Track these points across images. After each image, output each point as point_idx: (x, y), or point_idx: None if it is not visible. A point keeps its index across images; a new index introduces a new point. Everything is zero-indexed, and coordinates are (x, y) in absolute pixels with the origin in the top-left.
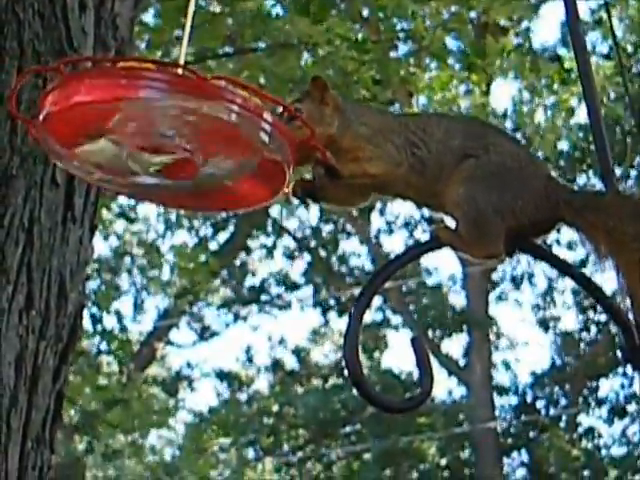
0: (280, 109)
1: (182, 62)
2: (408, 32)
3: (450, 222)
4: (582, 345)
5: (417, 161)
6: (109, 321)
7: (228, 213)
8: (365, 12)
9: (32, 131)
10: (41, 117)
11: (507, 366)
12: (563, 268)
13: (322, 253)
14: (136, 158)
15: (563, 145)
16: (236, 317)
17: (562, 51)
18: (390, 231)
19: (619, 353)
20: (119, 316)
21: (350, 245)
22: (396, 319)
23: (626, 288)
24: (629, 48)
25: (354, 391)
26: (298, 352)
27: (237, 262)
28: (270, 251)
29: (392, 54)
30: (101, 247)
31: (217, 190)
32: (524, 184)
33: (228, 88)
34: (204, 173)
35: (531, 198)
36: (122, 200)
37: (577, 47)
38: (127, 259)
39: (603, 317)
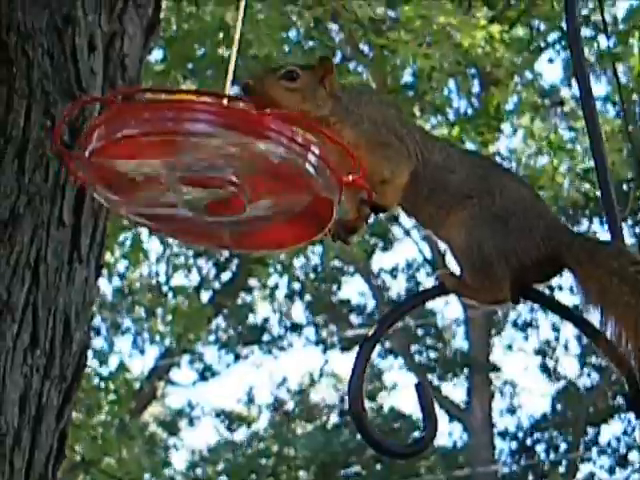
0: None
1: (227, 92)
2: (412, 83)
3: (454, 267)
4: (583, 390)
5: (413, 170)
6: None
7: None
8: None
9: (71, 166)
10: (87, 153)
11: (508, 410)
12: (566, 314)
13: (324, 292)
14: (177, 190)
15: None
16: (237, 357)
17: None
18: (392, 274)
19: (620, 399)
20: (120, 364)
21: (352, 285)
22: (399, 361)
23: (618, 337)
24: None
25: (355, 432)
26: (299, 392)
27: (239, 301)
28: (272, 291)
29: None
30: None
31: (259, 229)
32: (527, 226)
33: (277, 122)
34: (248, 212)
35: (533, 238)
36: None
37: (583, 92)
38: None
39: (604, 362)
